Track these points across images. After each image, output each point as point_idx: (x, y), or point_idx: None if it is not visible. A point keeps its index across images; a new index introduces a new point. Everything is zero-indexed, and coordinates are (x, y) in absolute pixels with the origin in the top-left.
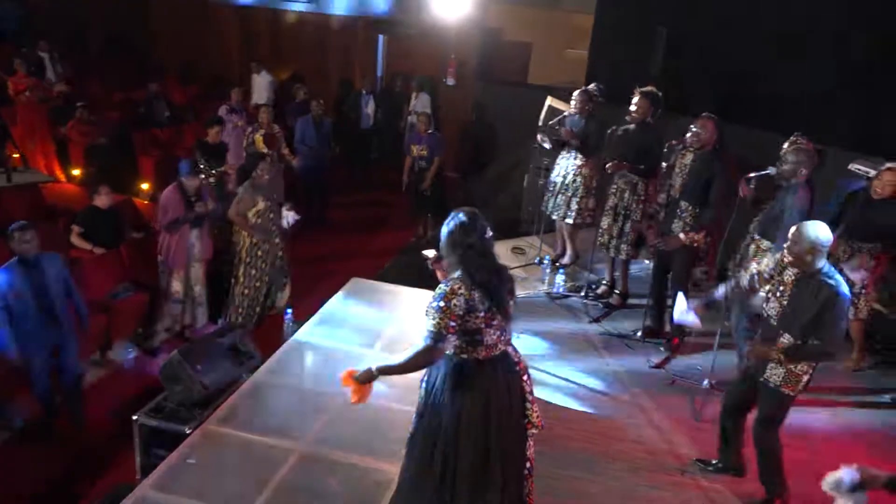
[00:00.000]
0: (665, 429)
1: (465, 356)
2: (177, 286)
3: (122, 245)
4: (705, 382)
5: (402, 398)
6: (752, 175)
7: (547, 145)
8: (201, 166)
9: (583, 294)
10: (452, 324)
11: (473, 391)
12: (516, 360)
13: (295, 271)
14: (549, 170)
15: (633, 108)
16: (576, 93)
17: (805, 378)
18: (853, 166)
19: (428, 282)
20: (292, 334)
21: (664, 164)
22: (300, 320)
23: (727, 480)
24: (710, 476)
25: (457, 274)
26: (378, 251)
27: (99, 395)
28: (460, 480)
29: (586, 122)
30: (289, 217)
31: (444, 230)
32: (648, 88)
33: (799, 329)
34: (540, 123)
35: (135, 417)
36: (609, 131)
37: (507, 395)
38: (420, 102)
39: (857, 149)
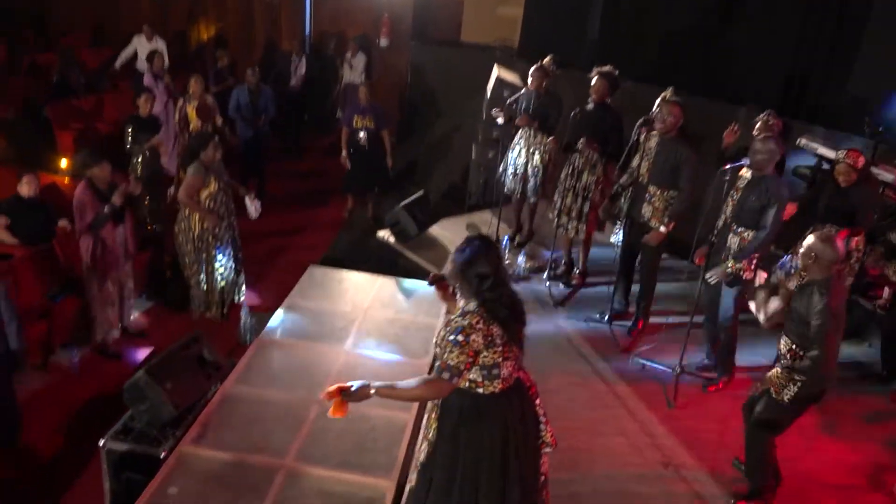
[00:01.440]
0: (643, 419)
1: (480, 390)
2: (110, 287)
3: (54, 240)
4: (674, 368)
5: (378, 402)
6: (727, 167)
7: (500, 121)
8: (128, 145)
9: (545, 276)
10: (470, 360)
11: (491, 425)
12: (528, 384)
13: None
14: (499, 142)
15: (591, 88)
16: (532, 69)
17: (792, 388)
18: (802, 142)
19: (378, 264)
20: (250, 329)
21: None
22: (257, 312)
23: (712, 474)
24: (695, 469)
25: (473, 306)
26: (321, 225)
27: (46, 404)
28: None
29: (543, 100)
30: (254, 206)
31: (459, 257)
32: (607, 69)
33: (794, 333)
34: (488, 96)
35: (101, 443)
36: (571, 115)
37: (523, 423)
38: (357, 63)
39: (796, 116)
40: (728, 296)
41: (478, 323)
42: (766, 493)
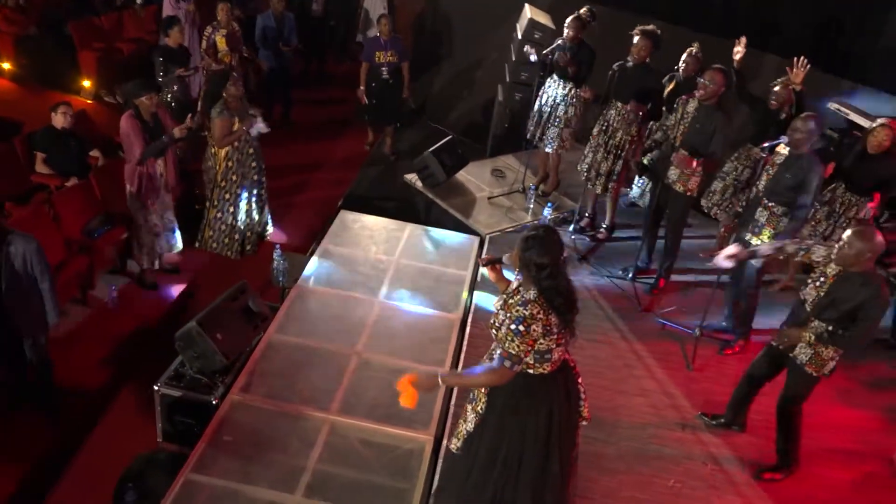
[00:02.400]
0: (663, 379)
1: (531, 371)
2: (154, 219)
3: (90, 174)
4: (695, 330)
5: (413, 356)
6: (765, 145)
7: (533, 58)
8: (160, 77)
9: (571, 229)
10: (530, 348)
11: (539, 404)
12: (572, 364)
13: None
14: (528, 84)
15: (633, 47)
16: (568, 19)
17: (831, 364)
18: (833, 106)
19: (403, 207)
20: (284, 272)
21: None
22: (289, 253)
23: (725, 436)
24: (710, 430)
25: (532, 294)
26: (344, 160)
27: (87, 339)
28: (522, 488)
29: (578, 50)
30: (259, 127)
31: (521, 245)
32: (650, 28)
33: (832, 318)
34: (519, 36)
35: (156, 387)
36: (610, 72)
37: (567, 402)
38: None
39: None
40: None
41: (538, 313)
42: (793, 465)
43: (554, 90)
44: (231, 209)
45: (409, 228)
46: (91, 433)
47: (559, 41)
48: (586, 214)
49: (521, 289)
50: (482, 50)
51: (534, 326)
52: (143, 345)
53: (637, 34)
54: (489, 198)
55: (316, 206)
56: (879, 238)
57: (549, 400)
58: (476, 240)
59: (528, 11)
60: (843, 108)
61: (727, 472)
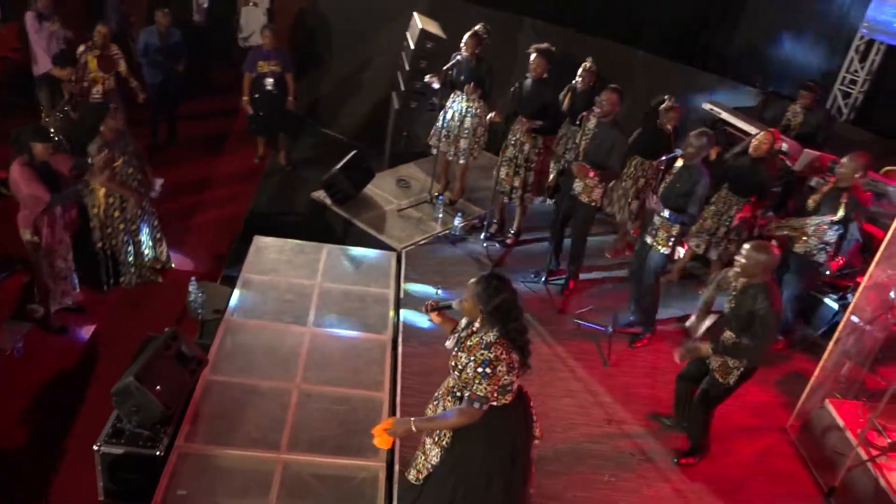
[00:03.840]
0: (584, 378)
1: (494, 404)
2: (59, 263)
3: None
4: (607, 328)
5: (353, 382)
6: (664, 158)
7: (436, 85)
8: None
9: (482, 236)
10: (496, 388)
11: (504, 437)
12: (524, 390)
13: (160, 212)
14: (422, 93)
15: (530, 64)
16: (466, 36)
17: (736, 373)
18: (707, 105)
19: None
20: (202, 303)
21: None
22: (204, 282)
23: (647, 426)
24: (634, 424)
25: (492, 336)
26: (238, 174)
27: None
28: None
29: (477, 65)
30: (157, 186)
31: (481, 296)
32: (545, 46)
33: (736, 327)
34: (412, 47)
35: (96, 447)
36: (512, 89)
37: (525, 426)
38: None
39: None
40: (652, 260)
41: (502, 354)
42: (704, 449)
43: (459, 104)
44: (114, 242)
45: (326, 249)
46: (23, 499)
47: (458, 56)
48: (494, 221)
49: (478, 331)
50: (366, 51)
51: (499, 367)
52: (62, 394)
53: (533, 52)
54: (398, 210)
55: (217, 228)
56: (775, 251)
57: (511, 429)
58: (392, 255)
59: (419, 21)
60: (715, 108)
61: (653, 461)
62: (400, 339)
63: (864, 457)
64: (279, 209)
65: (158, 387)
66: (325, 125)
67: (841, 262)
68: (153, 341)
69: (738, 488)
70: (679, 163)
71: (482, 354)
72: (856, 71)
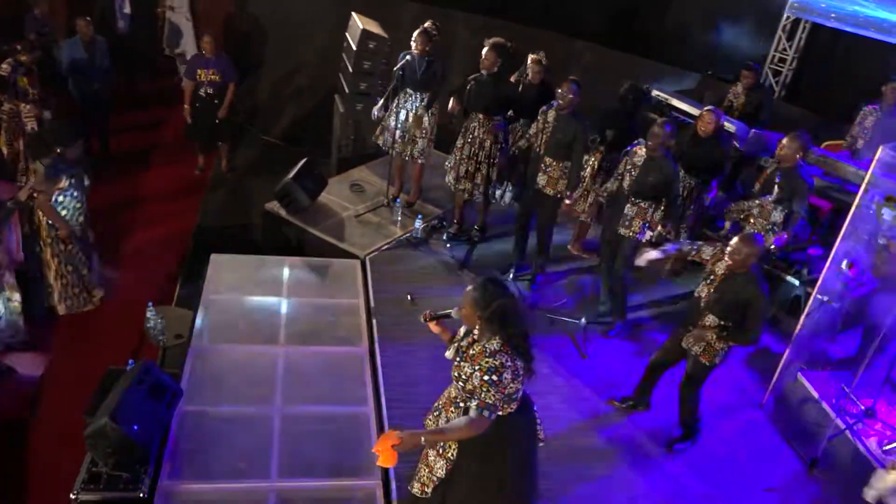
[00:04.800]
0: (565, 373)
1: (500, 413)
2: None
3: None
4: (581, 320)
5: (336, 398)
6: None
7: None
8: None
9: (444, 237)
10: (503, 395)
11: (512, 441)
12: (527, 393)
13: (99, 233)
14: (367, 94)
15: (483, 60)
16: (415, 34)
17: (721, 355)
18: (654, 92)
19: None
20: (162, 329)
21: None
22: (161, 306)
23: (633, 417)
24: (619, 414)
25: (496, 344)
26: (181, 189)
27: None
28: None
29: (428, 64)
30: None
31: (480, 303)
32: (498, 40)
33: (721, 312)
34: (354, 48)
35: (73, 496)
36: (468, 86)
37: (532, 429)
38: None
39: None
40: (625, 249)
41: (507, 361)
42: (696, 432)
43: (412, 104)
44: (69, 268)
45: (289, 262)
46: None
47: (407, 56)
48: (454, 221)
49: (479, 339)
50: (300, 54)
51: (505, 374)
52: (21, 441)
53: (486, 46)
54: (356, 216)
55: (163, 246)
56: (759, 242)
57: (520, 436)
58: (356, 263)
59: (359, 21)
60: (662, 95)
61: (646, 450)
62: (377, 350)
63: (842, 426)
64: (228, 223)
65: (135, 425)
66: (266, 132)
67: (784, 237)
68: (119, 376)
69: (727, 466)
70: (641, 152)
71: (487, 362)
72: (784, 50)
